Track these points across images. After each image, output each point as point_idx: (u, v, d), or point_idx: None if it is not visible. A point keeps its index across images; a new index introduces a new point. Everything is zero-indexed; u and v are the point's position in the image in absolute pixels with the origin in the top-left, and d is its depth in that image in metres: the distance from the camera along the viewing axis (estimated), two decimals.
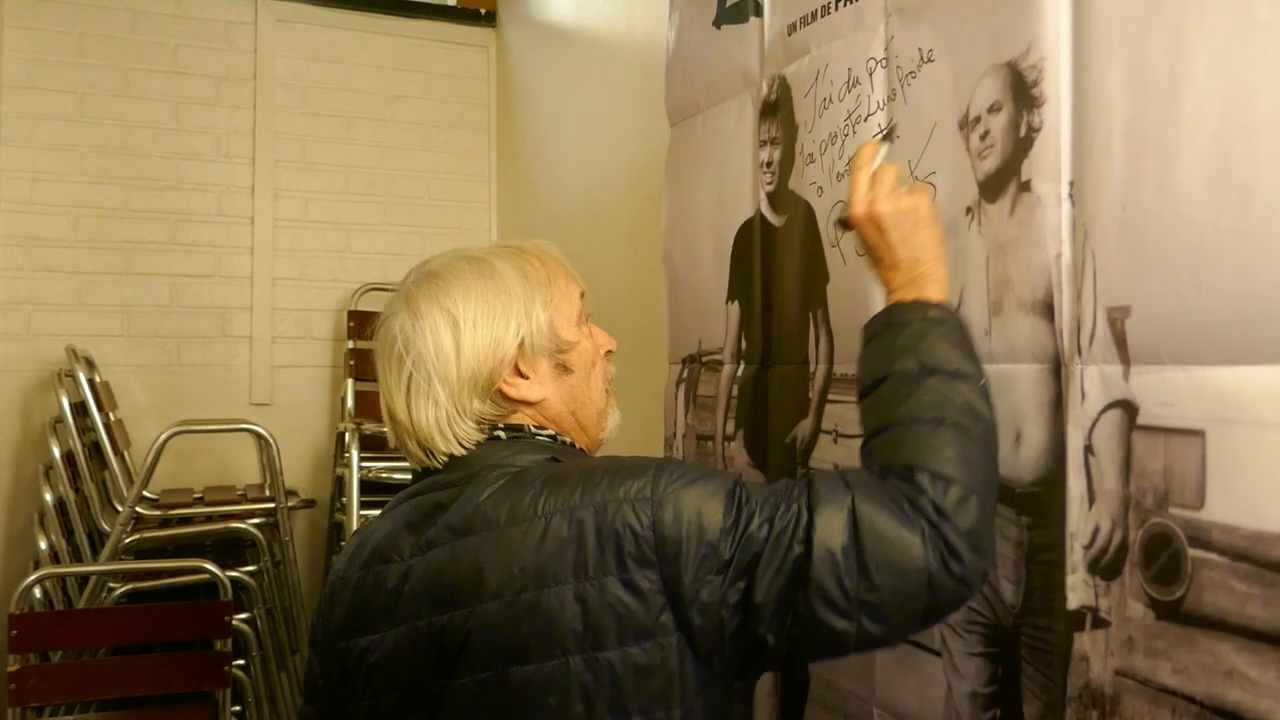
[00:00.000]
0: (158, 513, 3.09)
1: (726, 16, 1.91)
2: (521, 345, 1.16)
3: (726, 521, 0.98)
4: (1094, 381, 1.09)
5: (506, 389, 1.15)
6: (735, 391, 1.88)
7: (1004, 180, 1.22)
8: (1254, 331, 0.93)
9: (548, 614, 0.98)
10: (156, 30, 3.64)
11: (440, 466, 1.13)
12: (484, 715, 1.01)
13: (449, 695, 1.03)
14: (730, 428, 1.89)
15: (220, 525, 3.13)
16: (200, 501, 3.31)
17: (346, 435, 3.29)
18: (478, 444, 1.14)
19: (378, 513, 1.20)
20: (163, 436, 2.96)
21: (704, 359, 2.00)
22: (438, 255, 1.21)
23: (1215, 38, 0.97)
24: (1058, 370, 1.14)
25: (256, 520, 3.17)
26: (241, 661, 2.95)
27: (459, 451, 1.13)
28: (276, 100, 3.76)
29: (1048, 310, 1.15)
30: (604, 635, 0.97)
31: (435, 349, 1.12)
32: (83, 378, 3.10)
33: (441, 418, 1.12)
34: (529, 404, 1.18)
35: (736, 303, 1.88)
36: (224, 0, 3.73)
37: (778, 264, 1.73)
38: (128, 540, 2.96)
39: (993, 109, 1.24)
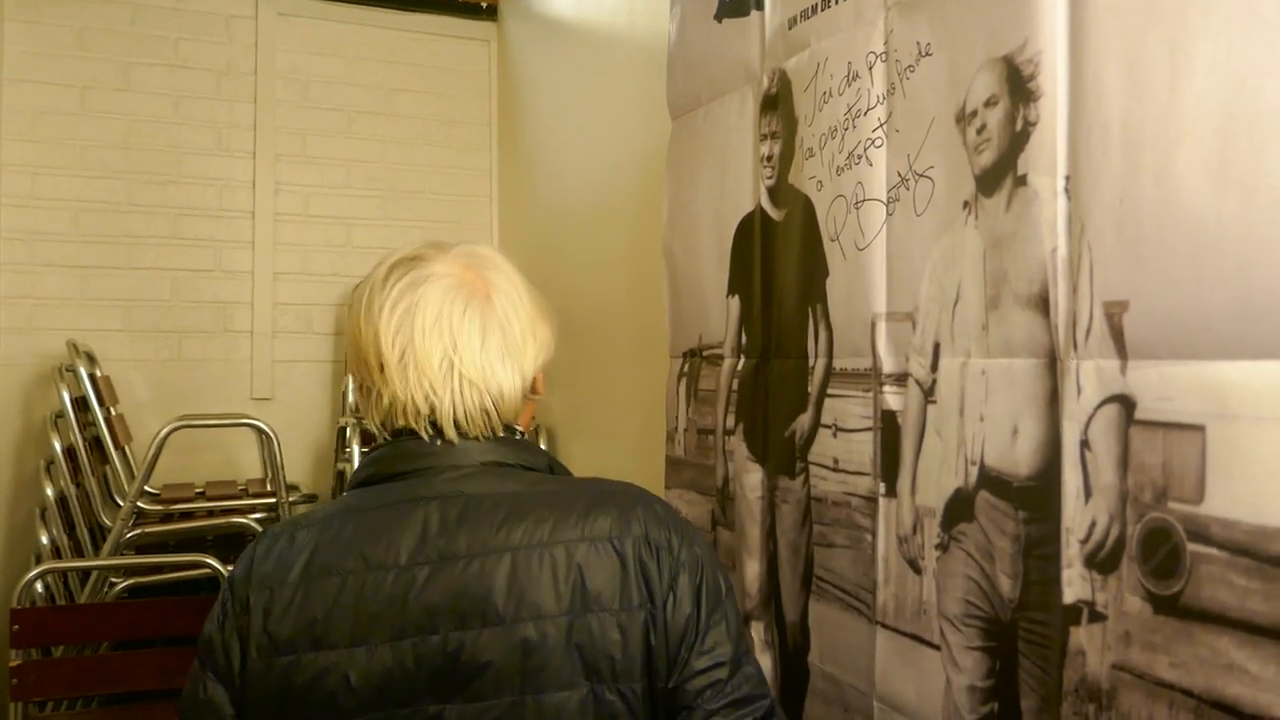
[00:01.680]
0: (159, 507, 3.10)
1: (728, 10, 1.91)
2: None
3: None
4: (1090, 376, 1.09)
5: (538, 385, 1.16)
6: (735, 386, 1.88)
7: (1000, 174, 1.22)
8: (1255, 326, 0.93)
9: (590, 639, 0.99)
10: (157, 24, 3.64)
11: (453, 441, 1.08)
12: None
13: (451, 718, 0.98)
14: (730, 421, 1.89)
15: (222, 520, 3.14)
16: (202, 496, 3.32)
17: (348, 430, 3.30)
18: (499, 436, 1.11)
19: (307, 510, 1.12)
20: (164, 431, 2.97)
21: (705, 353, 2.00)
22: (451, 241, 1.17)
23: (1218, 33, 0.96)
24: (1054, 365, 1.14)
25: (258, 515, 3.17)
26: None
27: (495, 432, 1.10)
28: (277, 94, 3.77)
29: (1044, 305, 1.15)
30: (634, 667, 1.00)
31: (524, 316, 1.13)
32: (84, 372, 3.11)
33: (515, 389, 1.11)
34: (528, 410, 1.16)
35: (737, 297, 1.88)
36: None
37: (777, 258, 1.73)
38: (129, 535, 2.97)
39: (989, 103, 1.24)
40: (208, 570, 2.70)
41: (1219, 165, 0.95)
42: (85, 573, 2.99)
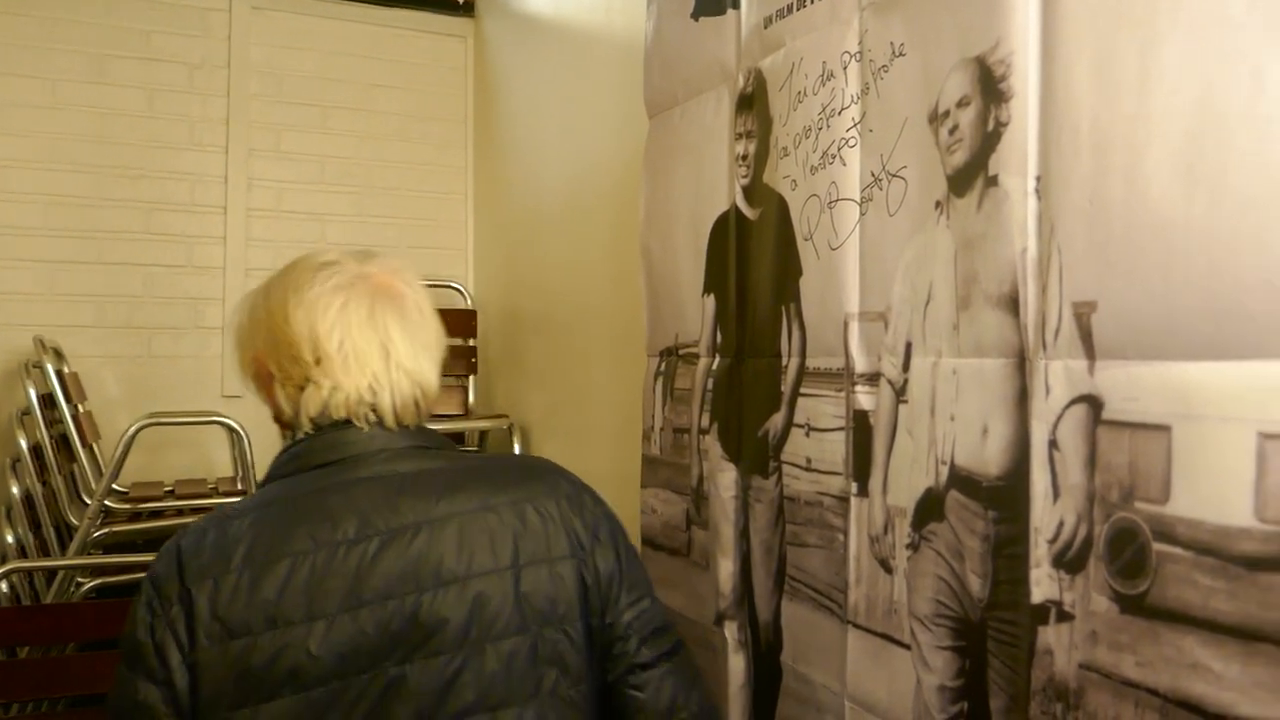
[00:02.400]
0: (127, 506, 3.07)
1: (704, 8, 1.91)
2: None
3: None
4: (1058, 377, 1.10)
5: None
6: (710, 385, 1.88)
7: (972, 174, 1.23)
8: (1221, 327, 0.94)
9: (534, 588, 1.11)
10: (130, 16, 3.61)
11: (367, 428, 1.14)
12: (461, 691, 1.06)
13: (412, 675, 1.05)
14: (705, 421, 1.89)
15: (191, 519, 3.12)
16: (171, 495, 3.29)
17: None
18: (420, 425, 1.21)
19: (224, 506, 1.12)
20: (133, 428, 2.94)
21: (681, 352, 2.00)
22: (343, 247, 1.27)
23: (1186, 35, 0.97)
24: (1023, 365, 1.15)
25: None
26: None
27: (422, 422, 1.20)
28: (251, 88, 3.74)
29: (1014, 305, 1.16)
30: (573, 609, 1.14)
31: (433, 319, 1.23)
32: (50, 369, 3.08)
33: (435, 383, 1.21)
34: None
35: (712, 296, 1.89)
36: None
37: (752, 257, 1.73)
38: (96, 534, 2.94)
39: (961, 103, 1.24)
40: None
41: (1187, 167, 0.96)
42: (51, 572, 2.96)
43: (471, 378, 3.69)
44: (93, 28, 3.56)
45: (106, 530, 2.97)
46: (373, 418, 1.15)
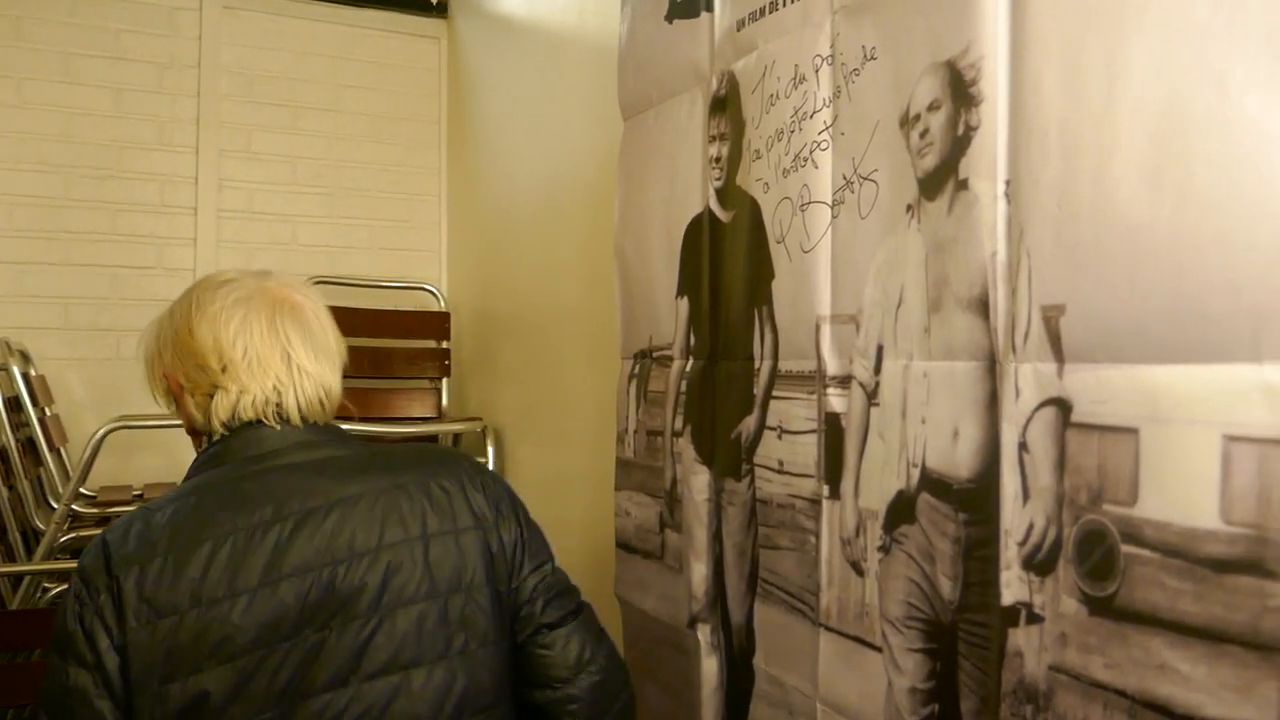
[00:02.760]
0: (95, 510, 3.04)
1: (678, 11, 1.91)
2: None
3: None
4: (1028, 379, 1.11)
5: (349, 406, 1.37)
6: (684, 387, 1.88)
7: (942, 178, 1.23)
8: (1188, 331, 0.95)
9: (440, 557, 1.22)
10: (98, 15, 3.58)
11: (274, 426, 1.24)
12: (375, 653, 1.16)
13: (330, 640, 1.14)
14: (678, 423, 1.89)
15: None
16: (140, 499, 3.26)
17: None
18: (328, 424, 1.32)
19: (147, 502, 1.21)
20: (101, 432, 2.91)
21: (655, 354, 2.00)
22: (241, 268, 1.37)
23: (1153, 38, 0.98)
24: (993, 368, 1.16)
25: None
26: None
27: (329, 421, 1.31)
28: (221, 88, 3.72)
29: (984, 308, 1.17)
30: (478, 576, 1.25)
31: (331, 328, 1.33)
32: (17, 371, 3.04)
33: (338, 387, 1.31)
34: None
35: (686, 298, 1.89)
36: None
37: (725, 260, 1.74)
38: (63, 539, 2.91)
39: (932, 107, 1.25)
40: None
41: (1153, 171, 0.97)
42: (17, 578, 2.92)
43: (445, 380, 3.67)
44: (60, 26, 3.52)
45: (74, 535, 2.94)
46: (277, 418, 1.25)
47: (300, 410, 1.26)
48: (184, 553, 1.11)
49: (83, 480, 2.95)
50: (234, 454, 1.22)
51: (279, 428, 1.24)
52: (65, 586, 2.83)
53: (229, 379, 1.24)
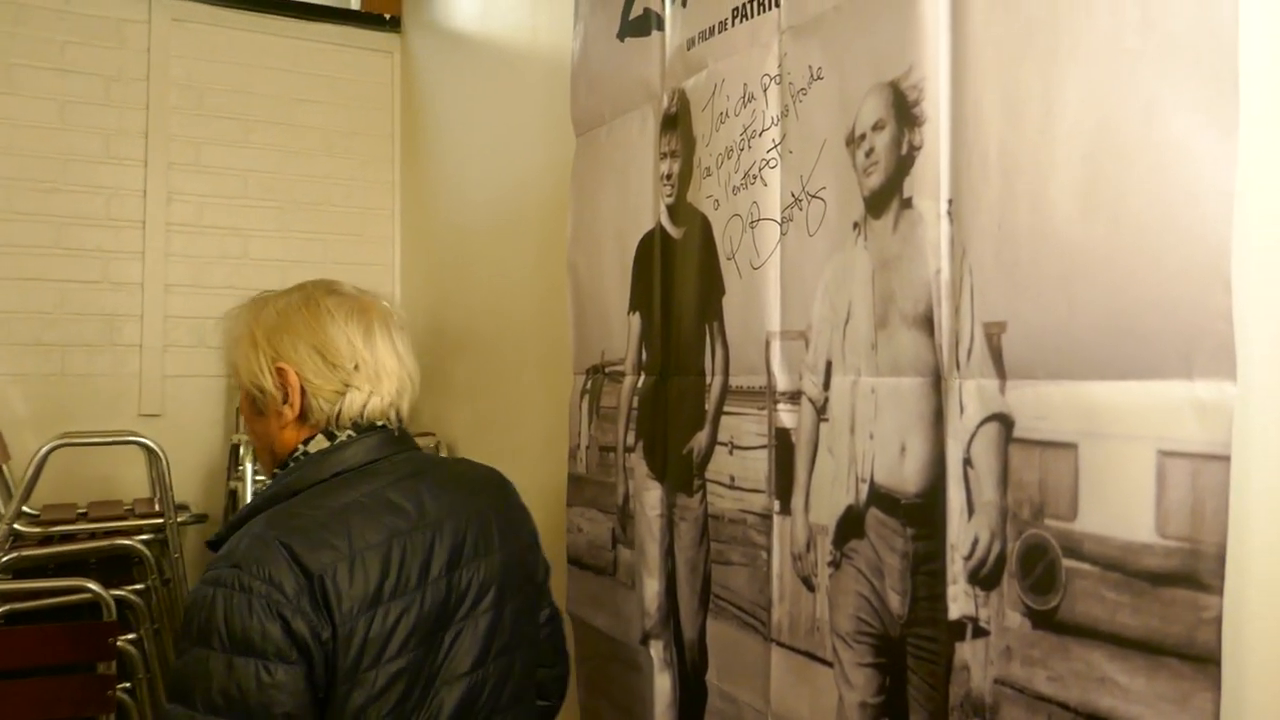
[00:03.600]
0: (38, 529, 2.99)
1: (630, 29, 1.93)
2: None
3: None
4: (972, 395, 1.13)
5: None
6: (636, 403, 1.89)
7: (888, 196, 1.25)
8: (1123, 348, 0.97)
9: (533, 560, 1.51)
10: (43, 25, 3.53)
11: (395, 434, 1.40)
12: (499, 639, 1.37)
13: (467, 631, 1.33)
14: (631, 439, 1.90)
15: (105, 542, 3.03)
16: (84, 517, 3.20)
17: (240, 447, 3.22)
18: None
19: (293, 507, 1.29)
20: (44, 449, 2.86)
21: (607, 370, 2.01)
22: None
23: (1086, 64, 1.01)
24: (938, 384, 1.18)
25: (144, 536, 3.07)
26: (128, 685, 2.86)
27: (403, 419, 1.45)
28: (170, 101, 3.67)
29: (929, 325, 1.19)
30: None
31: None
32: None
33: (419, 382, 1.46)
34: None
35: (638, 314, 1.89)
36: None
37: (676, 276, 1.75)
38: (5, 559, 2.84)
39: (877, 126, 1.27)
40: (88, 595, 2.60)
41: (1088, 194, 1.00)
42: None
43: None
44: (3, 37, 3.47)
45: (16, 555, 2.88)
46: (394, 419, 1.41)
47: (403, 418, 1.43)
48: (368, 554, 1.23)
49: (25, 499, 2.89)
50: (367, 454, 1.36)
51: (393, 430, 1.40)
52: (7, 608, 2.78)
53: (362, 379, 1.37)
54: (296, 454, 1.36)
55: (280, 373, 1.35)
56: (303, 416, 1.36)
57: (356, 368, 1.36)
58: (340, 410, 1.36)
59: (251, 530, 1.23)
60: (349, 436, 1.36)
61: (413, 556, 1.28)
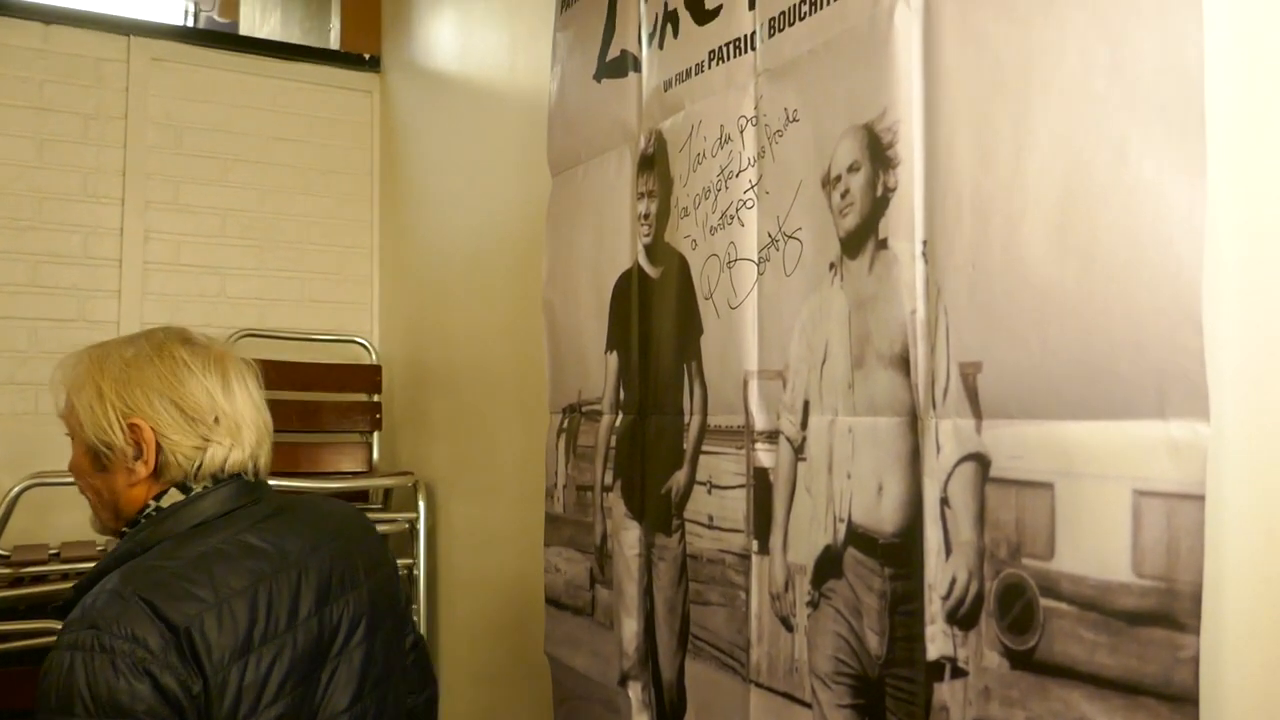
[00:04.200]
0: (8, 571, 2.93)
1: (606, 71, 1.94)
2: None
3: None
4: (948, 435, 1.13)
5: None
6: (613, 442, 1.88)
7: (863, 237, 1.26)
8: (1096, 388, 0.98)
9: (395, 589, 1.51)
10: (21, 64, 3.51)
11: (251, 481, 1.39)
12: (372, 671, 1.38)
13: (343, 667, 1.33)
14: (608, 478, 1.89)
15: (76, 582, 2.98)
16: (56, 558, 3.15)
17: None
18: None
19: (151, 564, 1.25)
20: (16, 489, 2.82)
21: (584, 409, 2.00)
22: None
23: (1056, 107, 1.02)
24: (915, 423, 1.18)
25: None
26: None
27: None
28: (149, 140, 3.66)
29: (905, 365, 1.19)
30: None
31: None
32: None
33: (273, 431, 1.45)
34: None
35: (615, 353, 1.89)
36: (95, 36, 3.62)
37: (654, 315, 1.75)
38: None
39: (852, 168, 1.28)
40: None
41: (1060, 235, 1.01)
42: None
43: (375, 434, 3.62)
44: None
45: None
46: (252, 470, 1.39)
47: (265, 465, 1.41)
48: (234, 601, 1.21)
49: None
50: (223, 504, 1.33)
51: (252, 480, 1.39)
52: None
53: (223, 432, 1.34)
54: (148, 510, 1.32)
55: (134, 428, 1.30)
56: (156, 473, 1.31)
57: (216, 421, 1.33)
58: (200, 465, 1.32)
59: (106, 588, 1.17)
60: (204, 488, 1.33)
61: (280, 598, 1.27)
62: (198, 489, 1.32)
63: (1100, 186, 0.97)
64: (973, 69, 1.11)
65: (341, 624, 1.34)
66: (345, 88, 4.00)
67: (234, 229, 3.77)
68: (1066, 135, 1.01)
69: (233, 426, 1.34)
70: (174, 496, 1.31)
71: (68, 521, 3.42)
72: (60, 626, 1.17)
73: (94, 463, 1.33)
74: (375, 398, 3.65)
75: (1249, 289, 0.90)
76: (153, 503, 1.31)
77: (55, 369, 1.37)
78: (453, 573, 3.03)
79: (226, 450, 1.33)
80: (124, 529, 1.33)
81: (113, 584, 1.17)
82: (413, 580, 3.07)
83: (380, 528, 3.37)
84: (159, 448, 1.30)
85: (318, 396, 3.54)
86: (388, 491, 3.42)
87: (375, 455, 3.61)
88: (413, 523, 3.09)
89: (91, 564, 3.08)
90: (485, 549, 2.77)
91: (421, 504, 3.11)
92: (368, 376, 3.69)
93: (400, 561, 3.10)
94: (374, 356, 3.81)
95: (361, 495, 3.44)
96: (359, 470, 3.54)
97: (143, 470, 1.31)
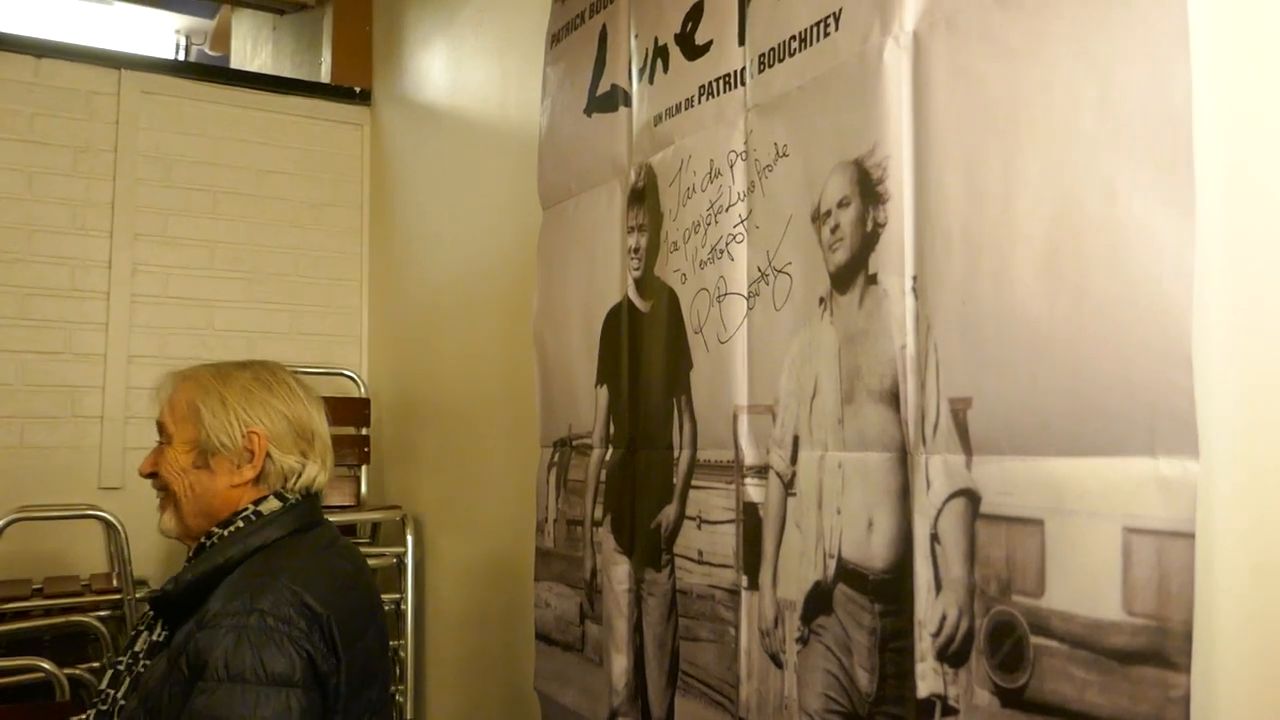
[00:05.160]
0: None
1: (597, 105, 1.95)
2: None
3: None
4: (939, 471, 1.12)
5: None
6: (604, 476, 1.88)
7: (853, 272, 1.27)
8: (1086, 424, 0.98)
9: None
10: (11, 98, 3.52)
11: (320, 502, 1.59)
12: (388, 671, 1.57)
13: (378, 666, 1.49)
14: (598, 513, 1.88)
15: (60, 619, 2.95)
16: (39, 593, 3.12)
17: None
18: None
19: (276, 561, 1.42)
20: (1, 522, 2.79)
21: (575, 443, 2.00)
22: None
23: (1045, 145, 1.03)
24: (905, 459, 1.18)
25: (101, 613, 2.99)
26: None
27: None
28: (138, 173, 3.66)
29: (895, 400, 1.19)
30: None
31: None
32: None
33: None
34: None
35: (605, 387, 1.89)
36: (86, 70, 3.63)
37: (644, 349, 1.75)
38: None
39: (842, 203, 1.29)
40: (41, 674, 2.52)
41: (1050, 272, 1.01)
42: None
43: (364, 468, 3.60)
44: None
45: None
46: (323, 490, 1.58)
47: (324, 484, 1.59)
48: (340, 597, 1.40)
49: None
50: (317, 513, 1.55)
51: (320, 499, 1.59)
52: None
53: (316, 453, 1.54)
54: (245, 512, 1.47)
55: (251, 435, 1.48)
56: (258, 478, 1.49)
57: (312, 442, 1.54)
58: (299, 477, 1.52)
59: (252, 581, 1.35)
60: (296, 500, 1.51)
61: (362, 607, 1.47)
62: (291, 499, 1.50)
63: (1090, 224, 0.97)
64: (962, 106, 1.12)
65: (374, 651, 1.49)
66: (336, 121, 4.01)
67: (223, 261, 3.77)
68: (1056, 173, 1.01)
69: (323, 449, 1.55)
70: (270, 504, 1.48)
71: (51, 555, 3.39)
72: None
73: (199, 458, 1.48)
74: (364, 431, 3.64)
75: (1238, 326, 0.90)
76: (251, 506, 1.47)
77: (166, 377, 1.56)
78: (441, 608, 3.00)
79: (317, 469, 1.54)
80: (211, 529, 1.47)
81: (260, 576, 1.36)
82: (400, 615, 3.04)
83: (369, 562, 3.36)
84: (267, 455, 1.48)
85: None
86: (376, 526, 3.40)
87: (363, 489, 3.59)
88: (401, 557, 3.07)
89: (75, 598, 3.05)
90: (474, 584, 2.76)
91: (410, 538, 3.09)
92: (356, 410, 3.68)
93: (388, 597, 3.08)
94: (363, 390, 3.80)
95: (349, 529, 3.42)
96: (347, 504, 3.52)
97: (249, 473, 1.48)
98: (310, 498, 1.54)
